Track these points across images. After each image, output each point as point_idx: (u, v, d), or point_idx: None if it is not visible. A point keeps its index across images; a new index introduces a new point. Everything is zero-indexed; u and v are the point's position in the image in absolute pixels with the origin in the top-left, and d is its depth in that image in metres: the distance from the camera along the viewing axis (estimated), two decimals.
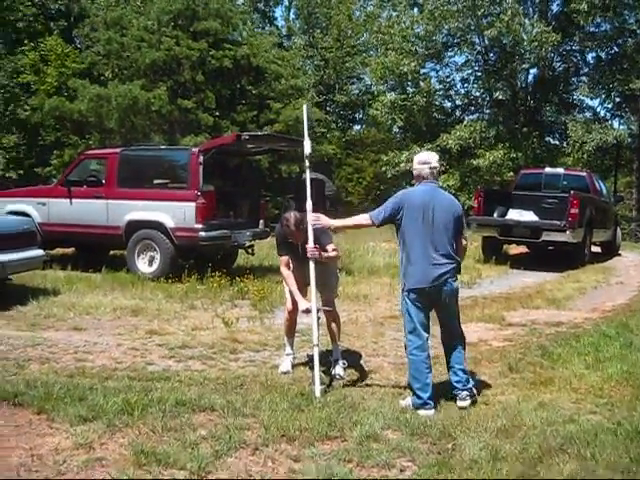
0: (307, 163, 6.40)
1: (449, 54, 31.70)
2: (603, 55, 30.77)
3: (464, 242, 5.94)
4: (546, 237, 15.32)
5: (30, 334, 7.77)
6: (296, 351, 7.02)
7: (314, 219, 5.95)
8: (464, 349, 6.06)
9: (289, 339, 6.73)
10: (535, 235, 15.45)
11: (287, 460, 4.45)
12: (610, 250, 18.83)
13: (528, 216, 16.07)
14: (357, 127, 40.70)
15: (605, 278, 14.18)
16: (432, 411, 5.45)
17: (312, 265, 6.06)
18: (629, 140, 32.73)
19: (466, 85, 32.62)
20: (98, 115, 21.52)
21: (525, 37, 28.05)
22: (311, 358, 6.15)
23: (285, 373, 6.44)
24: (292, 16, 42.18)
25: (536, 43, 27.26)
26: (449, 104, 33.23)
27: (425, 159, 5.97)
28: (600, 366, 6.74)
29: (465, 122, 30.20)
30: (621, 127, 33.38)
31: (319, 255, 6.07)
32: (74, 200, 12.63)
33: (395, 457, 4.50)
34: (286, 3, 42.51)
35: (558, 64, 31.48)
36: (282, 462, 4.42)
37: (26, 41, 25.98)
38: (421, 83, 30.34)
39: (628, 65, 28.81)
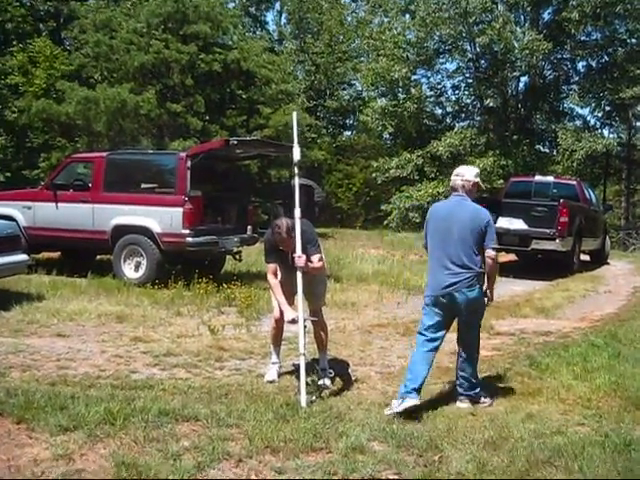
0: (296, 170, 6.33)
1: (440, 61, 31.90)
2: (594, 64, 30.96)
3: (489, 253, 5.91)
4: (535, 245, 15.30)
5: (12, 340, 7.66)
6: (282, 360, 6.94)
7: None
8: (473, 359, 6.06)
9: (275, 347, 6.65)
10: (524, 243, 15.43)
11: (271, 472, 4.38)
12: (599, 259, 18.83)
13: (517, 224, 16.03)
14: (347, 133, 40.75)
15: (594, 287, 14.16)
16: (414, 401, 5.54)
17: (299, 274, 5.99)
18: (618, 149, 32.97)
19: (457, 92, 32.79)
20: (86, 118, 21.34)
21: (516, 45, 28.18)
22: (297, 367, 6.08)
23: (271, 382, 6.36)
24: (283, 21, 42.24)
25: (527, 51, 27.37)
26: (440, 111, 33.39)
27: (459, 171, 6.12)
28: (588, 377, 6.69)
29: (455, 129, 30.29)
30: (611, 136, 33.58)
31: (305, 265, 6.00)
32: (60, 204, 12.51)
33: (381, 469, 4.44)
34: (277, 7, 42.59)
35: (549, 72, 31.62)
36: (266, 474, 4.35)
37: (14, 42, 25.84)
38: (412, 89, 30.40)
39: (618, 74, 28.98)
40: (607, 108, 31.81)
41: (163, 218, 11.58)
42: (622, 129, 39.14)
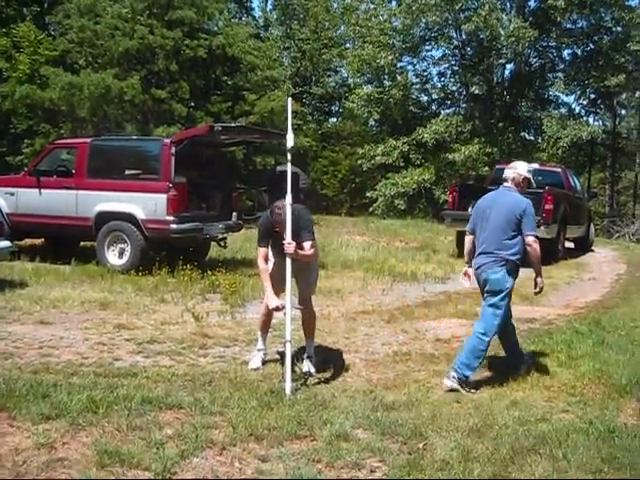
0: (289, 156, 6.28)
1: (426, 48, 31.82)
2: (579, 52, 31.02)
3: (528, 240, 6.16)
4: None
5: None
6: (268, 346, 6.92)
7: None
8: (481, 342, 6.17)
9: (263, 334, 6.59)
10: None
11: (255, 460, 4.35)
12: (583, 246, 18.90)
13: None
14: (333, 120, 40.62)
15: (578, 274, 14.22)
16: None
17: (289, 261, 5.95)
18: (603, 137, 33.07)
19: (443, 79, 32.75)
20: (70, 104, 21.15)
21: (502, 32, 28.17)
22: (282, 354, 6.05)
23: (255, 369, 6.31)
24: (269, 7, 41.98)
25: (513, 38, 27.36)
26: (425, 98, 33.36)
27: (513, 165, 6.71)
28: (573, 364, 6.72)
29: (441, 116, 30.26)
30: (596, 124, 33.78)
31: (294, 252, 5.95)
32: (43, 190, 12.41)
33: (365, 457, 4.43)
34: None
35: (534, 60, 31.64)
36: (249, 462, 4.33)
37: None
38: (398, 76, 30.35)
39: (603, 62, 29.06)
40: (592, 96, 31.94)
41: (147, 205, 11.52)
42: (607, 117, 39.36)
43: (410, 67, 32.37)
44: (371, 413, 5.18)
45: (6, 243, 10.20)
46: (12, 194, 12.72)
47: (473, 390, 5.96)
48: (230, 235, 13.05)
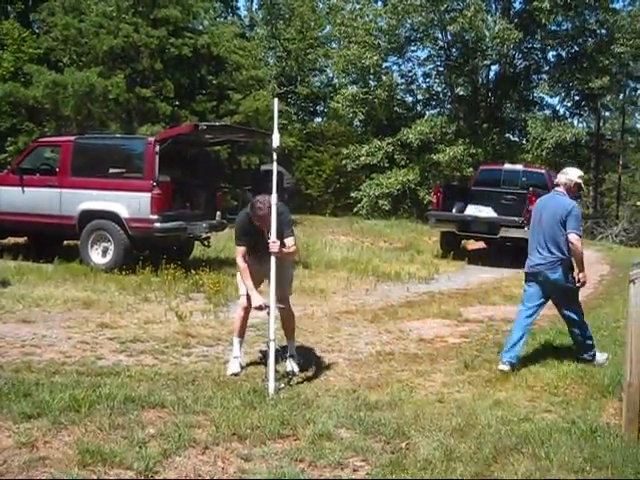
0: (275, 156, 6.28)
1: (411, 48, 31.87)
2: (564, 54, 31.19)
3: (570, 238, 6.59)
4: (504, 233, 15.39)
5: None
6: (250, 346, 6.92)
7: None
8: (582, 329, 6.86)
9: (239, 339, 6.45)
10: (493, 231, 15.53)
11: (237, 459, 4.35)
12: None
13: (486, 212, 16.15)
14: (318, 120, 40.57)
15: None
16: (503, 366, 6.54)
17: (273, 260, 5.94)
18: (587, 138, 33.19)
19: (428, 80, 32.82)
20: (54, 102, 21.01)
21: (487, 33, 28.30)
22: (264, 354, 6.04)
23: (235, 375, 6.18)
24: (255, 6, 41.90)
25: (498, 40, 27.48)
26: (410, 98, 33.41)
27: (565, 170, 7.14)
28: (556, 364, 6.75)
29: (426, 117, 30.35)
30: (580, 125, 33.93)
31: (279, 251, 5.95)
32: (26, 188, 12.33)
33: (348, 456, 4.43)
34: None
35: (519, 61, 31.77)
36: (232, 461, 4.32)
37: None
38: (383, 77, 30.40)
39: (588, 64, 29.23)
40: (576, 98, 32.13)
41: (131, 203, 11.47)
42: (591, 119, 39.56)
43: (395, 67, 32.50)
44: (354, 412, 5.18)
45: None
46: None
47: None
48: (214, 234, 13.02)
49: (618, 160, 41.43)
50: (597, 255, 19.19)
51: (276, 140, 6.23)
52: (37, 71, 21.61)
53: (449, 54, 30.88)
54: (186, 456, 4.34)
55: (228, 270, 11.30)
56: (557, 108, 32.52)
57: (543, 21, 28.25)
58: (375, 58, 29.32)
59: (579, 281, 6.82)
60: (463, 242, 17.47)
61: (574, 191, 6.91)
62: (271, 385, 5.59)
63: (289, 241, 6.11)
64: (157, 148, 11.42)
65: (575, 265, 6.79)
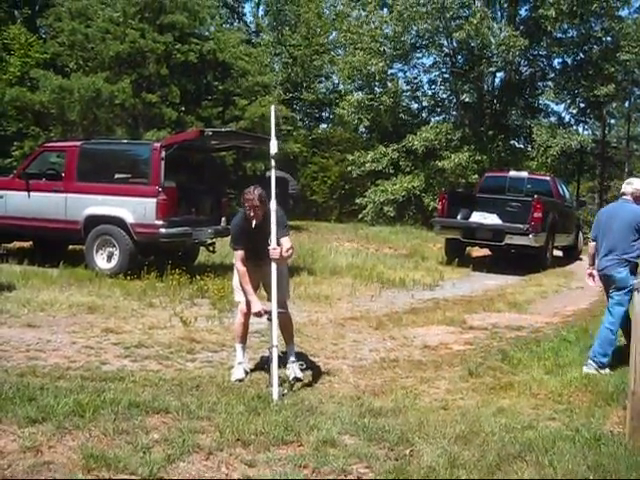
0: (273, 162, 6.30)
1: (417, 55, 31.79)
2: (569, 61, 31.11)
3: None
4: (509, 240, 15.37)
5: None
6: (255, 352, 6.93)
7: None
8: (611, 331, 7.10)
9: (241, 345, 6.47)
10: (498, 238, 15.51)
11: (241, 465, 4.35)
12: (572, 255, 18.99)
13: (491, 219, 16.14)
14: (323, 126, 40.55)
15: (566, 282, 14.27)
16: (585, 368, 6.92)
17: (274, 266, 5.95)
18: (592, 145, 33.15)
19: (433, 87, 32.73)
20: (60, 107, 21.09)
21: (493, 41, 28.22)
22: (268, 360, 6.04)
23: (239, 381, 6.20)
24: (261, 12, 41.97)
25: (503, 47, 27.43)
26: (416, 105, 33.31)
27: (631, 180, 7.57)
28: (560, 371, 6.76)
29: (431, 124, 30.26)
30: (585, 133, 33.87)
31: (281, 257, 5.97)
32: (32, 193, 12.36)
33: (352, 463, 4.43)
34: None
35: (525, 68, 31.69)
36: (236, 467, 4.33)
37: None
38: (388, 83, 30.36)
39: (593, 71, 29.17)
40: (582, 105, 32.01)
41: (136, 208, 11.49)
42: (596, 126, 39.51)
43: (401, 74, 32.41)
44: (358, 419, 5.18)
45: None
46: (0, 197, 12.67)
47: (609, 372, 6.84)
48: (219, 240, 13.03)
49: (624, 167, 41.33)
50: None
51: (274, 147, 6.27)
52: (43, 76, 21.69)
53: (454, 61, 30.85)
54: (190, 461, 4.35)
55: (232, 276, 11.28)
56: (562, 115, 32.43)
57: (549, 28, 28.21)
58: (381, 65, 29.31)
59: None
60: (468, 249, 17.46)
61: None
62: (275, 391, 5.60)
63: (284, 241, 6.11)
64: (163, 154, 11.45)
65: None
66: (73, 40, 22.72)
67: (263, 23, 40.35)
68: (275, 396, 5.56)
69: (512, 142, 31.83)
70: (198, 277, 10.81)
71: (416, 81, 32.59)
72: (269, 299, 6.20)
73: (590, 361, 6.95)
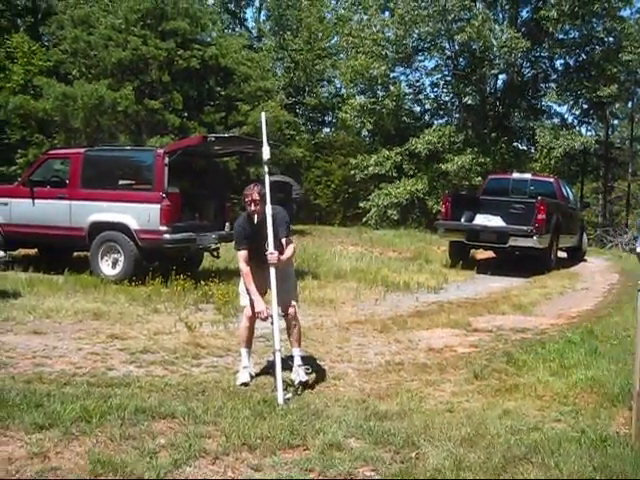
0: (266, 168, 6.33)
1: (419, 58, 31.92)
2: (571, 62, 31.19)
3: None
4: (513, 242, 15.37)
5: None
6: (260, 356, 6.94)
7: None
8: None
9: (247, 349, 6.47)
10: (502, 240, 15.50)
11: (248, 469, 4.36)
12: (576, 256, 18.98)
13: (495, 221, 16.14)
14: (326, 130, 40.64)
15: (571, 284, 14.26)
16: None
17: (273, 270, 5.97)
18: (596, 147, 33.14)
19: (435, 90, 32.83)
20: (64, 114, 21.19)
21: (495, 43, 28.29)
22: (273, 364, 6.05)
23: (245, 385, 6.20)
24: (262, 18, 42.07)
25: (506, 49, 27.48)
26: (418, 108, 33.40)
27: None
28: (565, 373, 6.73)
29: (434, 126, 30.35)
30: (588, 134, 33.87)
31: (279, 262, 5.99)
32: (37, 200, 12.41)
33: (358, 466, 4.43)
34: (257, 4, 42.43)
35: (527, 70, 31.76)
36: (242, 471, 4.33)
37: None
38: (391, 87, 30.42)
39: (596, 72, 29.22)
40: (585, 106, 32.06)
41: (141, 215, 11.52)
42: (600, 127, 39.50)
43: (403, 77, 32.52)
44: (364, 422, 5.18)
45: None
46: (5, 204, 12.73)
47: None
48: (223, 245, 13.04)
49: (627, 168, 41.30)
50: (607, 264, 19.14)
51: (266, 153, 6.31)
52: (47, 84, 21.80)
53: (457, 64, 30.91)
54: (196, 466, 4.35)
55: (237, 281, 11.27)
56: (565, 116, 32.51)
57: (550, 30, 28.27)
58: (383, 68, 29.38)
59: None
60: (472, 251, 17.46)
61: None
62: (279, 395, 5.61)
63: (286, 241, 6.15)
64: (166, 160, 11.48)
65: None
66: (76, 47, 22.81)
67: (265, 28, 40.46)
68: (280, 400, 5.57)
69: (515, 144, 31.90)
70: (203, 282, 10.82)
71: (418, 84, 32.75)
72: (279, 303, 6.19)
73: None
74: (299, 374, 6.29)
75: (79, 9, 23.99)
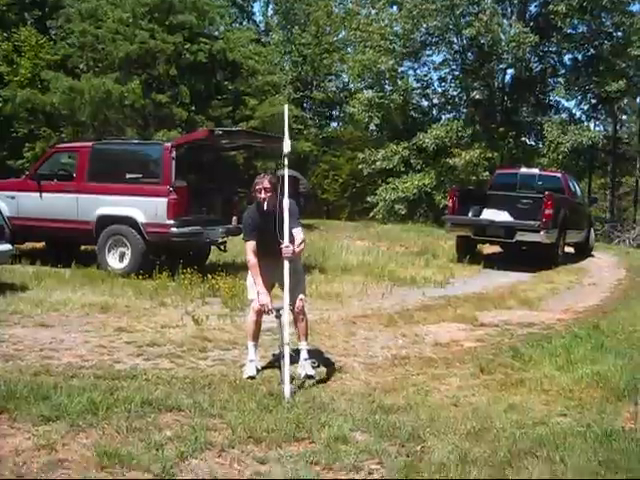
0: (285, 161, 6.32)
1: (427, 53, 31.80)
2: (580, 57, 31.07)
3: None
4: (520, 237, 15.35)
5: None
6: (267, 349, 6.95)
7: None
8: None
9: (254, 343, 6.45)
10: (509, 235, 15.48)
11: (253, 462, 4.38)
12: (583, 251, 18.93)
13: (502, 216, 16.10)
14: (334, 124, 40.67)
15: (578, 279, 14.24)
16: None
17: (287, 264, 5.96)
18: (604, 142, 33.04)
19: (443, 84, 32.71)
20: (71, 108, 21.22)
21: (503, 37, 28.21)
22: (279, 357, 6.06)
23: (251, 378, 6.20)
24: (270, 11, 42.04)
25: (514, 43, 27.39)
26: (426, 103, 33.29)
27: None
28: (571, 368, 6.72)
29: (442, 121, 30.29)
30: (596, 129, 33.76)
31: (293, 253, 5.99)
32: (44, 194, 12.45)
33: (363, 459, 4.45)
34: None
35: (535, 65, 31.64)
36: (248, 464, 4.35)
37: None
38: (399, 81, 30.33)
39: (604, 67, 29.08)
40: (593, 101, 31.94)
41: (148, 208, 11.55)
42: (608, 122, 39.37)
43: (411, 72, 32.40)
44: (369, 416, 5.19)
45: (7, 246, 10.23)
46: (13, 198, 12.77)
47: None
48: (230, 239, 13.06)
49: (635, 163, 41.17)
50: (614, 259, 19.10)
51: (287, 146, 6.29)
52: (54, 77, 21.86)
53: (465, 58, 30.82)
54: (202, 459, 4.37)
55: (244, 274, 11.29)
56: (573, 111, 32.39)
57: (559, 24, 28.15)
58: (390, 63, 29.29)
59: None
60: (479, 246, 17.44)
61: None
62: (287, 389, 5.62)
63: (296, 232, 6.12)
64: (174, 153, 11.51)
65: None
66: (83, 41, 22.86)
67: (272, 22, 40.42)
68: (287, 394, 5.57)
69: (523, 139, 31.80)
70: (210, 276, 10.82)
71: (426, 79, 32.64)
72: (289, 296, 6.16)
73: None
74: (305, 368, 6.31)
75: (87, 3, 23.95)
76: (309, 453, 4.48)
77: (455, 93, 32.67)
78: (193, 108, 23.03)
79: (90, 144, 12.79)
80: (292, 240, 6.05)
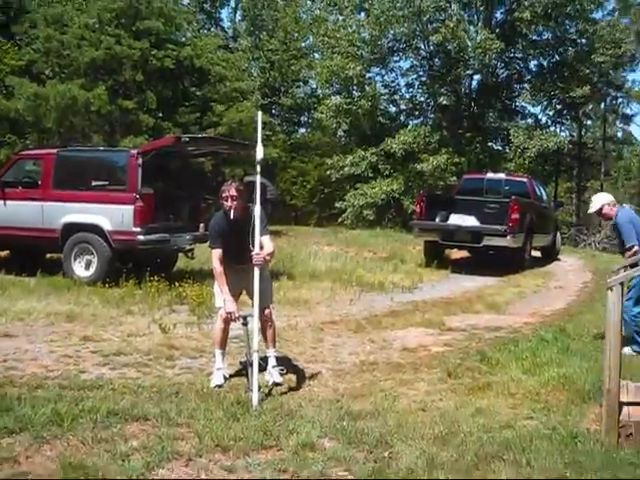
0: (258, 168, 6.29)
1: (394, 59, 32.00)
2: (545, 63, 31.43)
3: None
4: (487, 242, 15.44)
5: None
6: (234, 357, 6.91)
7: None
8: None
9: (221, 351, 6.41)
10: (476, 240, 15.57)
11: (221, 471, 4.36)
12: (550, 255, 19.10)
13: (470, 221, 16.20)
14: (302, 130, 40.65)
15: (545, 283, 14.37)
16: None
17: (257, 271, 5.93)
18: (569, 147, 33.38)
19: (411, 90, 32.93)
20: (36, 114, 21.01)
21: (469, 44, 28.47)
22: (247, 365, 6.03)
23: (219, 386, 6.16)
24: (238, 18, 41.98)
25: (480, 50, 27.63)
26: (394, 109, 33.48)
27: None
28: (537, 371, 6.79)
29: (409, 127, 30.46)
30: (562, 134, 34.10)
31: (264, 261, 5.97)
32: (8, 202, 12.29)
33: (331, 466, 4.45)
34: (232, 4, 42.33)
35: (501, 71, 31.96)
36: (216, 473, 4.34)
37: None
38: (366, 87, 30.45)
39: (569, 73, 29.49)
40: (558, 107, 32.31)
41: (114, 216, 11.44)
42: (573, 127, 39.80)
43: (378, 78, 32.59)
44: (337, 422, 5.19)
45: None
46: None
47: None
48: (197, 246, 12.98)
49: (600, 168, 41.71)
50: (580, 263, 19.30)
51: (260, 152, 6.26)
52: (19, 83, 21.61)
53: (432, 64, 31.03)
54: (169, 468, 4.35)
55: (211, 282, 11.24)
56: (539, 117, 32.72)
57: (524, 31, 28.52)
58: (358, 69, 29.41)
59: None
60: (447, 251, 17.53)
61: None
62: (254, 396, 5.59)
63: (265, 240, 6.10)
64: (140, 160, 11.42)
65: None
66: (48, 47, 22.64)
67: (240, 28, 40.36)
68: (255, 401, 5.55)
69: (490, 144, 32.10)
70: (177, 284, 10.76)
71: (394, 84, 32.84)
72: (256, 305, 6.15)
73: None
74: (273, 375, 6.29)
75: (52, 8, 23.79)
76: (277, 461, 4.47)
77: (422, 99, 32.92)
78: (160, 114, 22.91)
79: (55, 151, 12.64)
80: (261, 247, 6.03)
